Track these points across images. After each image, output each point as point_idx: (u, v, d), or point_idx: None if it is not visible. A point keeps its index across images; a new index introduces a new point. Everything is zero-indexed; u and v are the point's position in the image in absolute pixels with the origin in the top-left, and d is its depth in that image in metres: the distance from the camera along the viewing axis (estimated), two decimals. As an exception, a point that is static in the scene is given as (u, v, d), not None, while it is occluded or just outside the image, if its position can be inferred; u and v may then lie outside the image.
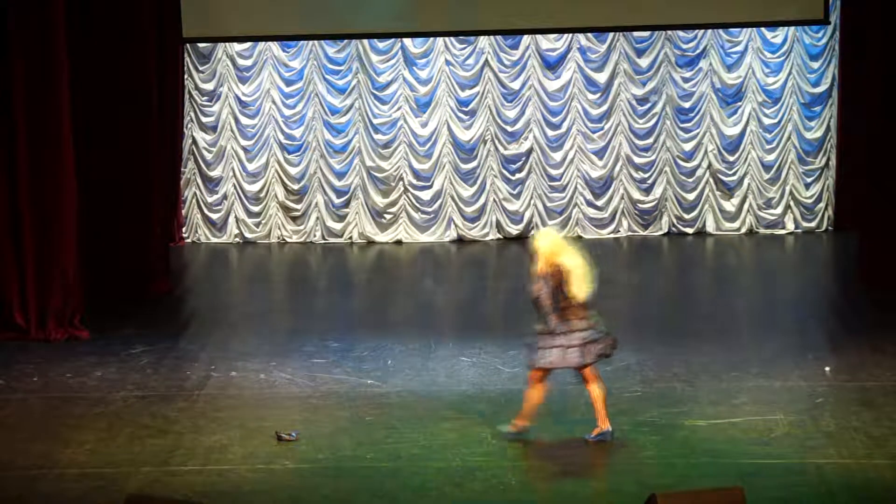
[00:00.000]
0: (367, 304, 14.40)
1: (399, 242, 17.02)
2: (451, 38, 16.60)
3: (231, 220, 17.14)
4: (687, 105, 16.89)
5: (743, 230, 17.07)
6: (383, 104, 16.91)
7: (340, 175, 17.01)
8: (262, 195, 17.07)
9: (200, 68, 16.91)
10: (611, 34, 16.58)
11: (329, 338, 12.45)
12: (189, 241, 17.13)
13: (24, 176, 12.50)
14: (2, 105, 12.45)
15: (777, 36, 16.76)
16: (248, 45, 16.69)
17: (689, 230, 17.07)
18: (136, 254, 13.99)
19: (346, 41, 16.59)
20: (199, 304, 14.45)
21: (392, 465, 9.20)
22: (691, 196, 17.03)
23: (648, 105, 16.90)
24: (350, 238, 17.10)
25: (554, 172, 16.98)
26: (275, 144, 16.99)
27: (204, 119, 17.00)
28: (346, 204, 17.00)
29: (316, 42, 16.65)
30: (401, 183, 17.00)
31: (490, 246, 16.92)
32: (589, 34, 16.54)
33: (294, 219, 17.11)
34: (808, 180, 17.02)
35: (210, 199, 17.11)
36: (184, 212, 17.04)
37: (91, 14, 13.26)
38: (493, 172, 17.01)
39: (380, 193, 17.03)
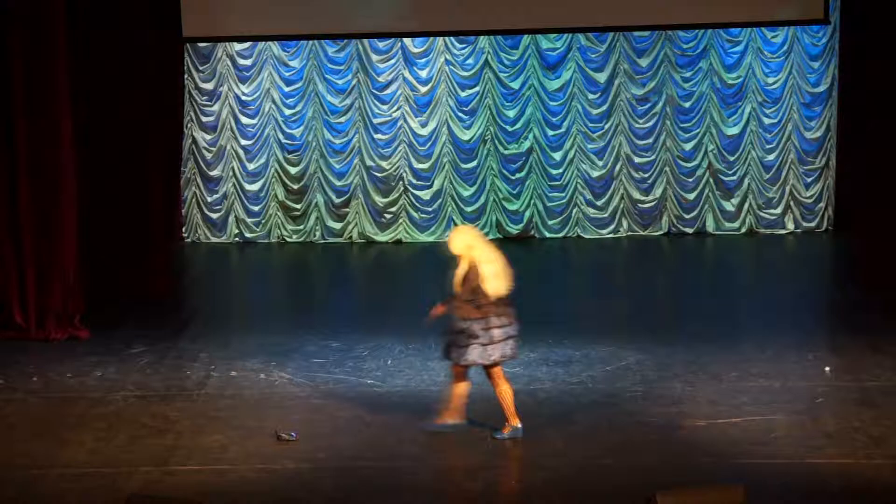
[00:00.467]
0: (367, 304, 14.40)
1: (399, 242, 17.02)
2: (451, 38, 16.59)
3: (231, 219, 17.13)
4: (687, 105, 16.89)
5: (743, 230, 17.07)
6: (383, 104, 16.89)
7: (340, 175, 17.01)
8: (262, 195, 17.07)
9: (200, 68, 16.89)
10: (611, 34, 16.57)
11: (329, 338, 12.45)
12: (189, 240, 17.11)
13: (24, 176, 12.50)
14: (2, 105, 12.44)
15: (777, 36, 16.74)
16: (247, 44, 16.68)
17: (689, 230, 17.07)
18: (136, 254, 13.99)
19: (346, 41, 16.59)
20: (199, 304, 14.44)
21: (392, 465, 9.20)
22: (691, 196, 17.03)
23: (648, 105, 16.90)
24: (350, 238, 17.10)
25: (554, 172, 16.98)
26: (274, 144, 16.99)
27: (204, 119, 16.99)
28: (346, 203, 17.02)
29: (316, 42, 16.64)
30: (401, 182, 17.00)
31: (490, 246, 16.89)
32: (589, 34, 16.53)
33: (294, 218, 17.10)
34: (808, 180, 17.01)
35: (210, 199, 17.10)
36: (184, 211, 17.02)
37: (91, 14, 13.26)
38: (492, 172, 17.01)
39: (380, 193, 17.03)
